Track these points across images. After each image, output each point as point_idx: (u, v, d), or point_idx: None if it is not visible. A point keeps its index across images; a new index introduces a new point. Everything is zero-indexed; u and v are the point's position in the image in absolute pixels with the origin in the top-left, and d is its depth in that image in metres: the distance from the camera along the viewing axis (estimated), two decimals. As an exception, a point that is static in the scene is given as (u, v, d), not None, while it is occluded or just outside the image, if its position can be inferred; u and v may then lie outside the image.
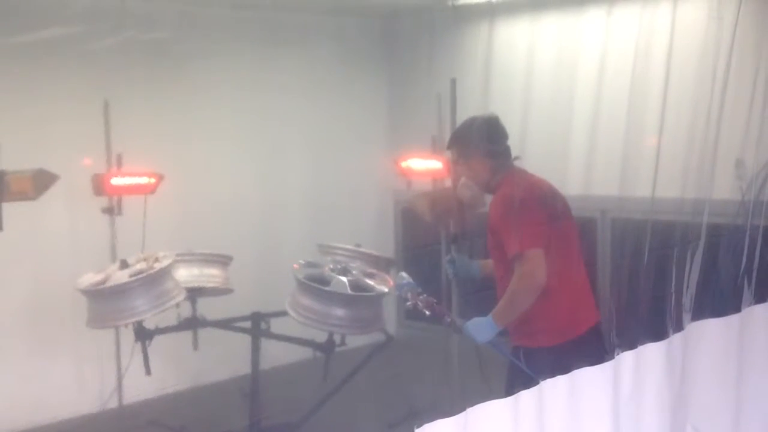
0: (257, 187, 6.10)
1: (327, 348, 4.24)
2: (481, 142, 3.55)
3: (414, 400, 4.80)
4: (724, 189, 3.90)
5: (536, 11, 5.74)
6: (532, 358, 3.34)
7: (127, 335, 4.58)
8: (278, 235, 6.01)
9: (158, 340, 4.36)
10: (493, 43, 5.91)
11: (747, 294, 2.80)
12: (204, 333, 4.68)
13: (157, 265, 4.11)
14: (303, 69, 6.25)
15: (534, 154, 4.19)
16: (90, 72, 5.26)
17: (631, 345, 2.43)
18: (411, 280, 3.57)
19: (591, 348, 3.23)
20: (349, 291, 4.11)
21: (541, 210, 3.40)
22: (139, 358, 4.36)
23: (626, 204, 4.63)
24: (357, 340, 4.39)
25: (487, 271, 3.74)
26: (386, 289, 4.25)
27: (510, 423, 2.15)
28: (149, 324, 4.29)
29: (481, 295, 3.71)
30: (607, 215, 5.48)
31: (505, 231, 3.37)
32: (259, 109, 6.06)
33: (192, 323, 4.55)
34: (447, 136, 4.68)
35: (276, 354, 4.78)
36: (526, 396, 2.18)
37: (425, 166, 5.48)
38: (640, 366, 2.45)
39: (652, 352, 2.49)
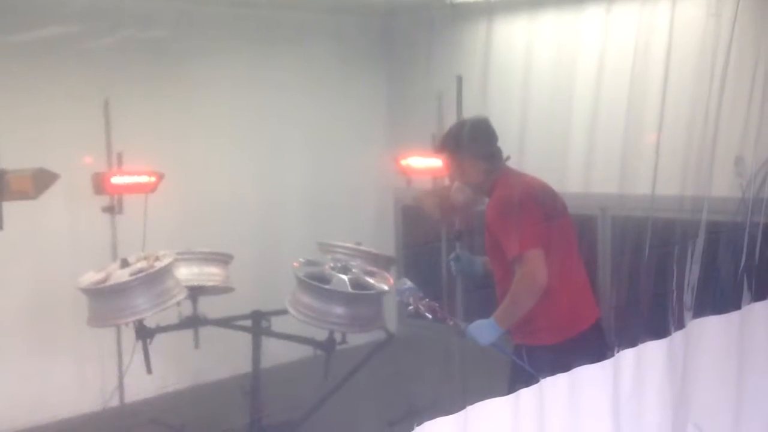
0: (257, 185, 6.10)
1: (328, 346, 4.24)
2: (473, 144, 3.55)
3: (414, 398, 4.81)
4: (724, 186, 3.91)
5: (535, 9, 5.74)
6: (534, 357, 3.34)
7: (128, 334, 4.58)
8: (278, 234, 6.01)
9: (159, 338, 4.36)
10: (492, 41, 5.91)
11: (747, 291, 2.80)
12: (205, 331, 4.69)
13: (158, 264, 4.11)
14: (302, 67, 6.25)
15: (533, 152, 4.21)
16: (89, 71, 5.26)
17: (632, 343, 2.43)
18: (413, 284, 3.57)
19: (592, 345, 3.24)
20: (349, 289, 4.11)
21: (537, 210, 3.40)
22: (139, 357, 4.37)
23: (626, 201, 4.64)
24: (357, 339, 4.39)
25: (490, 268, 3.75)
26: (387, 288, 4.25)
27: (510, 421, 2.15)
28: (150, 323, 4.29)
29: (483, 293, 3.71)
30: (607, 213, 5.48)
31: (503, 233, 3.37)
32: (259, 107, 6.06)
33: (193, 322, 4.55)
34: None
35: (277, 352, 4.79)
36: (526, 394, 2.19)
37: (425, 164, 5.47)
38: (641, 364, 2.45)
39: (652, 349, 2.50)
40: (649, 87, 3.66)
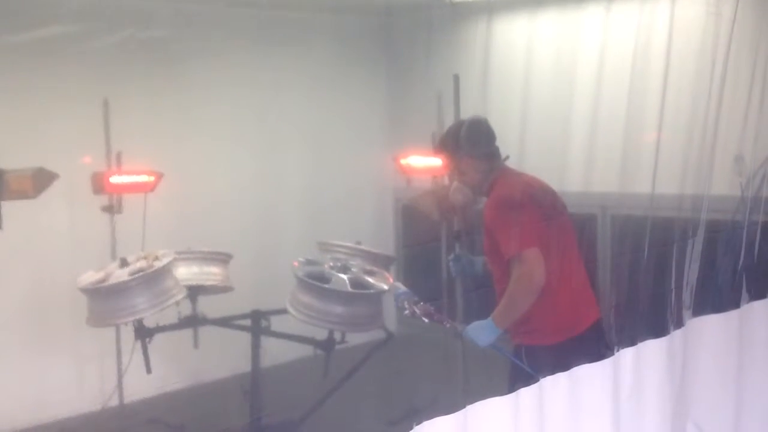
0: (257, 184, 6.09)
1: (327, 345, 4.24)
2: (470, 144, 3.53)
3: (414, 398, 4.80)
4: (723, 185, 3.90)
5: (535, 8, 5.73)
6: (534, 357, 3.33)
7: (128, 333, 4.58)
8: (278, 233, 6.00)
9: (158, 338, 4.36)
10: (492, 40, 5.90)
11: (746, 290, 2.80)
12: (204, 331, 4.69)
13: (157, 264, 4.11)
14: (301, 67, 6.24)
15: (533, 151, 4.20)
16: (88, 70, 5.25)
17: (632, 342, 2.43)
18: (406, 289, 3.56)
19: (592, 345, 3.23)
20: (349, 288, 4.11)
21: (534, 209, 3.38)
22: (139, 357, 4.36)
23: (626, 200, 4.63)
24: (357, 338, 4.39)
25: (489, 268, 3.74)
26: (386, 287, 4.24)
27: (510, 420, 2.15)
28: (149, 322, 4.29)
29: (483, 293, 3.70)
30: (607, 212, 5.48)
31: (500, 233, 3.36)
32: (258, 107, 6.05)
33: (192, 321, 4.55)
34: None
35: (276, 352, 4.78)
36: (526, 393, 2.19)
37: (425, 163, 5.47)
38: (641, 362, 2.46)
39: (652, 348, 2.50)
40: (649, 86, 3.66)
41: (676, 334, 2.57)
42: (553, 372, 2.26)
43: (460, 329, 3.44)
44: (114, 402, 5.28)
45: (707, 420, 2.64)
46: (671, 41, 3.31)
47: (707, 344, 2.63)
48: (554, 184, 3.62)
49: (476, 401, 2.07)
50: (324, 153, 6.35)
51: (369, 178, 6.60)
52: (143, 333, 4.27)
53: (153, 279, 4.06)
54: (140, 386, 5.20)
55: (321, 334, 4.24)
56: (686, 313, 2.65)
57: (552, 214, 3.46)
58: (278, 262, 4.68)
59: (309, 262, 4.35)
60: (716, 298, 2.80)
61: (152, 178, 5.12)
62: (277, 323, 4.51)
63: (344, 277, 4.15)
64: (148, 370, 4.37)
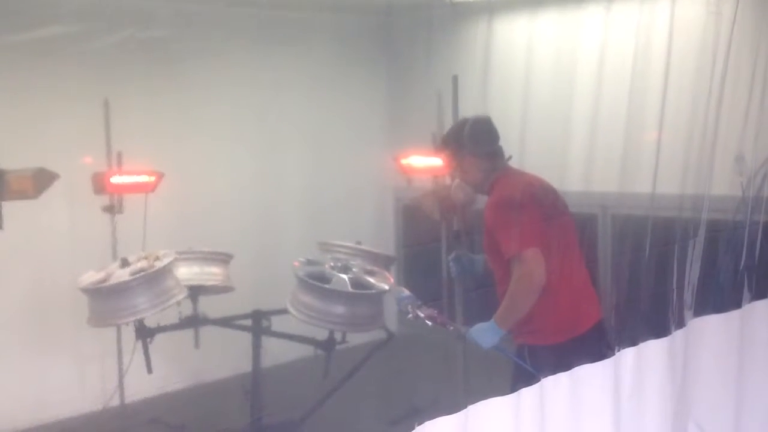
0: (257, 184, 6.09)
1: (328, 345, 4.24)
2: (473, 143, 3.53)
3: (415, 398, 4.81)
4: (724, 185, 3.90)
5: (535, 7, 5.73)
6: (536, 356, 3.33)
7: (128, 334, 4.58)
8: (278, 233, 6.00)
9: (159, 338, 4.36)
10: (492, 40, 5.90)
11: (747, 290, 2.80)
12: (205, 331, 4.69)
13: (158, 264, 4.11)
14: (302, 66, 6.24)
15: (534, 150, 4.19)
16: (89, 70, 5.25)
17: (633, 342, 2.43)
18: (409, 293, 3.56)
19: (595, 345, 3.23)
20: (349, 289, 4.11)
21: (535, 209, 3.38)
22: (140, 357, 4.37)
23: (626, 200, 4.63)
24: (358, 338, 4.39)
25: (490, 267, 3.74)
26: (387, 287, 4.24)
27: (511, 420, 2.15)
28: (150, 322, 4.29)
29: (484, 294, 3.70)
30: (608, 211, 5.48)
31: (501, 232, 3.36)
32: (258, 106, 6.05)
33: (193, 321, 4.55)
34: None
35: (277, 352, 4.78)
36: (527, 393, 2.19)
37: (425, 163, 5.47)
38: (642, 363, 2.45)
39: (653, 348, 2.50)
40: (650, 85, 3.66)
41: (677, 335, 2.57)
42: (555, 372, 2.26)
43: (464, 332, 3.44)
44: (115, 402, 5.28)
45: (708, 420, 2.64)
46: (672, 41, 3.31)
47: (708, 344, 2.63)
48: (554, 184, 3.62)
49: (477, 401, 2.07)
50: (324, 153, 6.35)
51: (369, 178, 6.61)
52: (144, 333, 4.27)
53: (154, 279, 4.06)
54: (141, 386, 5.21)
55: (322, 334, 4.24)
56: (687, 313, 2.65)
57: (553, 214, 3.46)
58: (279, 262, 4.68)
59: (309, 262, 4.35)
60: (717, 298, 2.80)
61: (153, 178, 5.12)
62: (277, 323, 4.51)
63: (345, 277, 4.15)
64: (149, 370, 4.37)
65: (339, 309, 4.09)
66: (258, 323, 4.53)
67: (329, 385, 4.42)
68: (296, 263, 4.27)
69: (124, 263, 4.22)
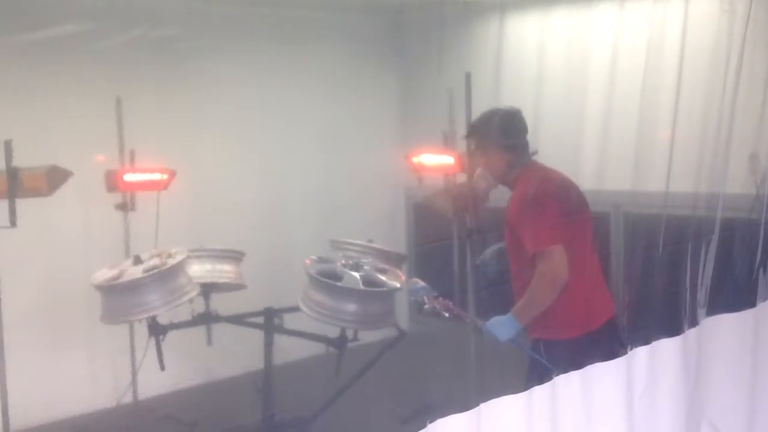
0: (269, 182, 6.11)
1: (339, 343, 4.24)
2: (500, 134, 3.54)
3: (427, 396, 4.80)
4: (738, 183, 3.88)
5: (547, 5, 5.72)
6: (552, 351, 3.35)
7: (141, 331, 4.60)
8: (290, 231, 6.02)
9: (172, 335, 4.38)
10: (504, 38, 5.89)
11: (762, 289, 2.79)
12: (217, 328, 4.70)
13: (171, 261, 4.12)
14: (313, 65, 6.25)
15: (546, 148, 4.18)
16: (102, 69, 5.28)
17: (645, 340, 2.42)
18: (425, 284, 3.57)
19: (609, 340, 3.26)
20: (361, 286, 4.11)
21: (560, 206, 3.40)
22: (152, 354, 4.39)
23: (639, 198, 4.61)
24: (369, 336, 4.40)
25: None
26: (398, 285, 4.25)
27: (523, 419, 2.15)
28: (163, 319, 4.31)
29: (495, 291, 3.70)
30: (620, 210, 5.46)
31: (524, 228, 3.36)
32: (270, 105, 6.07)
33: (205, 319, 4.56)
34: (459, 131, 4.66)
35: (288, 349, 4.79)
36: (539, 392, 2.19)
37: (436, 161, 5.46)
38: (655, 362, 2.45)
39: (666, 347, 2.49)
40: (663, 83, 3.64)
41: (690, 334, 2.56)
42: (571, 366, 2.27)
43: (480, 324, 3.45)
44: (128, 399, 5.30)
45: (722, 418, 2.63)
46: (685, 39, 3.30)
47: (722, 343, 2.62)
48: (567, 182, 3.60)
49: (490, 399, 2.07)
50: (335, 151, 6.36)
51: (380, 176, 6.61)
52: (157, 330, 4.29)
53: (166, 276, 4.07)
54: (154, 383, 5.23)
55: (333, 332, 4.24)
56: (701, 312, 2.64)
57: (575, 211, 3.48)
58: (290, 260, 4.69)
59: (321, 260, 4.35)
60: (731, 297, 2.78)
61: (165, 176, 5.13)
62: (289, 321, 4.52)
63: (356, 275, 4.15)
64: (162, 367, 4.39)
65: (350, 307, 4.09)
66: (270, 321, 4.54)
67: (341, 383, 4.43)
68: (308, 261, 4.27)
69: (137, 260, 4.24)
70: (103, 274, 4.22)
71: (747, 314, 2.71)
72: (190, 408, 5.27)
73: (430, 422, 1.97)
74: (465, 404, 2.03)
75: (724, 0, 3.64)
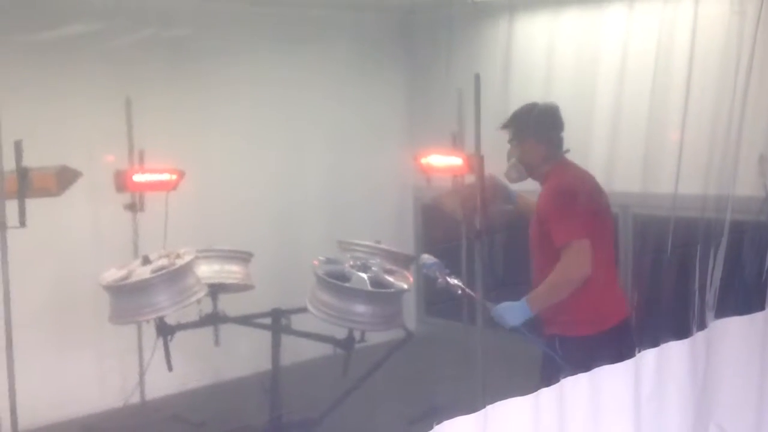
0: (277, 183, 6.11)
1: (347, 344, 4.24)
2: (539, 127, 3.59)
3: (434, 397, 4.80)
4: (748, 185, 3.87)
5: (556, 6, 5.71)
6: (567, 347, 3.36)
7: (149, 331, 4.61)
8: (298, 232, 6.02)
9: (180, 335, 4.39)
10: (514, 39, 5.88)
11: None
12: (225, 329, 4.70)
13: (179, 262, 4.13)
14: (322, 65, 6.25)
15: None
16: (111, 69, 5.29)
17: (654, 343, 2.41)
18: (437, 260, 3.57)
19: (623, 340, 3.27)
20: (369, 287, 4.11)
21: (589, 203, 3.46)
22: (160, 354, 4.39)
23: (648, 200, 4.60)
24: (377, 337, 4.39)
25: (521, 208, 3.82)
26: (406, 286, 4.24)
27: (530, 420, 2.14)
28: (171, 320, 4.32)
29: (503, 292, 3.69)
30: (629, 211, 5.44)
31: (554, 221, 3.40)
32: (279, 105, 6.06)
33: (213, 319, 4.57)
34: (467, 131, 4.66)
35: (296, 350, 4.79)
36: (546, 393, 2.18)
37: (445, 162, 5.46)
38: (663, 364, 2.44)
39: (674, 350, 2.48)
40: (672, 85, 3.64)
41: (698, 336, 2.55)
42: (586, 363, 2.27)
43: (489, 307, 3.45)
44: (135, 399, 5.32)
45: (730, 422, 2.61)
46: (695, 40, 3.29)
47: (731, 346, 2.61)
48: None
49: (497, 401, 2.06)
50: (344, 151, 6.36)
51: (389, 177, 6.60)
52: (165, 330, 4.30)
53: (175, 277, 4.08)
54: (161, 383, 5.24)
55: (341, 333, 4.24)
56: (709, 314, 2.63)
57: (602, 211, 3.55)
58: (298, 261, 4.69)
59: (329, 261, 4.35)
60: (740, 299, 2.77)
61: (174, 177, 5.14)
62: (297, 322, 4.52)
63: (364, 276, 4.15)
64: (170, 368, 4.39)
65: (358, 308, 4.09)
66: (277, 321, 4.54)
67: (348, 384, 4.42)
68: (316, 262, 4.27)
69: (146, 261, 4.25)
70: (112, 275, 4.23)
71: (756, 317, 2.69)
72: (198, 408, 5.27)
73: (437, 424, 1.96)
74: (472, 406, 2.03)
75: (734, 1, 3.63)
